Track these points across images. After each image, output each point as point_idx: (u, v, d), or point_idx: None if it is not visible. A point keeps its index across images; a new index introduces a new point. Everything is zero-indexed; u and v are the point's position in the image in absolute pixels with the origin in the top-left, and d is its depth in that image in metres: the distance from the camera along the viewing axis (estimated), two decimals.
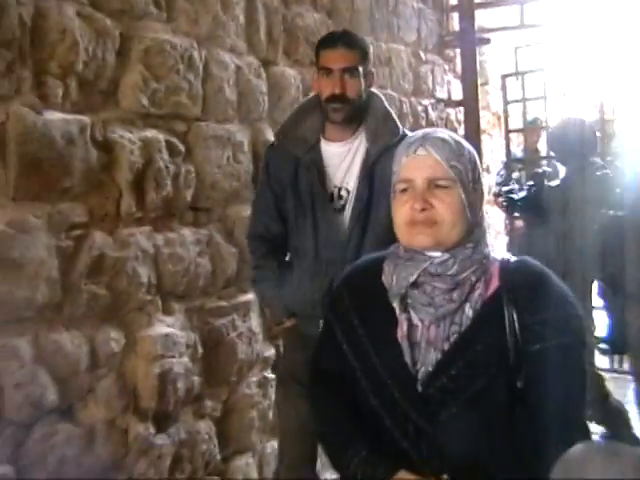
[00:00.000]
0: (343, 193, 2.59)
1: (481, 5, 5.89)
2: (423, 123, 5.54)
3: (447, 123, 6.03)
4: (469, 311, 1.51)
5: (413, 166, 1.54)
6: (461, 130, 6.08)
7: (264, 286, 2.77)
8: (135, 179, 2.68)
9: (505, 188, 5.18)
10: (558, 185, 4.35)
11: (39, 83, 2.34)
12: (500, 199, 5.20)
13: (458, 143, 1.56)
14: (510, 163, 6.25)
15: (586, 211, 4.04)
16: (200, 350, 3.02)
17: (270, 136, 3.37)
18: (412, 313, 1.55)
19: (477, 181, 1.56)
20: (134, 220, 2.70)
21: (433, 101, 5.78)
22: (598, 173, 4.29)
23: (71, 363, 2.40)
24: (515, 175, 6.05)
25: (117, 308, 2.62)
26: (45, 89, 2.35)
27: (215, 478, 3.12)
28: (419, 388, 1.52)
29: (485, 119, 6.87)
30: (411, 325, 1.54)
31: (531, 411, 1.48)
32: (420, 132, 1.61)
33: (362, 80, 2.54)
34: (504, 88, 6.40)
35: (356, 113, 2.56)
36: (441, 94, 5.95)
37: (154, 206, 2.78)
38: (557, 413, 1.46)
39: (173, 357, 2.84)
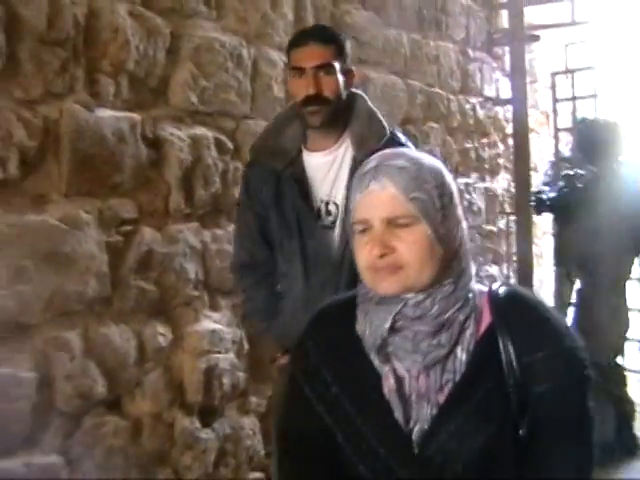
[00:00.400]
0: (331, 208, 2.28)
1: (531, 1, 5.81)
2: (471, 122, 5.48)
3: (495, 122, 5.96)
4: (462, 355, 1.30)
5: (367, 204, 1.28)
6: (509, 129, 6.01)
7: (255, 320, 2.49)
8: (184, 176, 2.71)
9: (535, 189, 5.14)
10: (588, 185, 4.29)
11: (91, 81, 2.37)
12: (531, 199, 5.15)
13: (419, 167, 1.30)
14: (558, 162, 6.15)
15: (617, 210, 4.00)
16: (246, 346, 3.04)
17: None
18: (396, 363, 1.31)
19: (448, 207, 1.31)
20: (182, 216, 2.72)
21: (481, 99, 5.71)
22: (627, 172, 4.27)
23: (119, 357, 2.44)
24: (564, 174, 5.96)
25: (165, 303, 2.64)
26: (97, 87, 2.39)
27: (258, 474, 3.14)
28: (415, 450, 1.30)
29: (533, 118, 6.76)
30: (397, 377, 1.31)
31: (537, 459, 1.30)
32: (375, 158, 1.34)
33: (340, 78, 2.24)
34: (553, 86, 6.30)
35: (337, 116, 2.25)
36: (489, 92, 5.88)
37: (202, 203, 2.80)
38: (566, 462, 1.30)
39: (219, 353, 2.87)
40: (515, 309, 1.33)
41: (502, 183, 6.16)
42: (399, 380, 1.30)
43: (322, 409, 1.36)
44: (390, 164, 1.29)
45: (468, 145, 5.47)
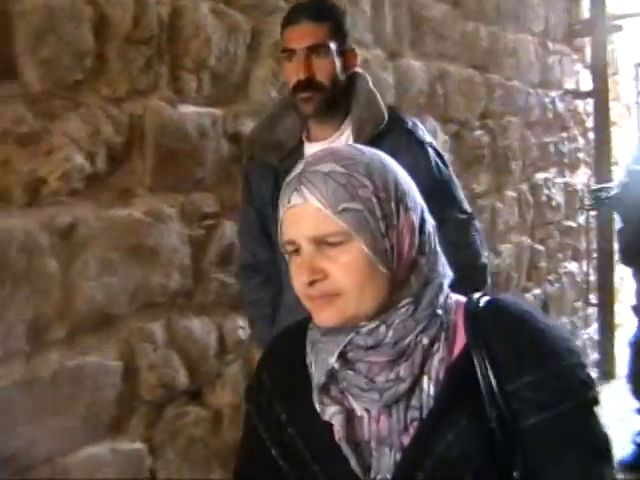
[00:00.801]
0: None
1: None
2: (550, 115, 5.36)
3: (575, 115, 5.80)
4: (429, 387, 1.07)
5: (291, 222, 1.07)
6: (589, 122, 5.85)
7: (259, 326, 2.35)
8: None
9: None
10: None
11: (174, 78, 2.41)
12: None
13: (353, 168, 1.06)
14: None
15: None
16: None
17: None
18: (353, 402, 1.10)
19: (394, 214, 1.07)
20: None
21: (561, 92, 5.57)
22: None
23: (200, 348, 2.47)
24: None
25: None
26: (180, 84, 2.43)
27: None
28: None
29: (615, 111, 6.56)
30: (353, 417, 1.10)
31: None
32: (301, 162, 1.11)
33: (337, 60, 2.01)
34: (637, 77, 6.10)
35: (335, 102, 2.03)
36: (569, 85, 5.73)
37: None
38: None
39: None
40: (496, 324, 1.09)
41: (582, 178, 6.00)
42: (352, 423, 1.10)
43: (277, 452, 1.16)
44: (314, 170, 1.06)
45: (547, 139, 5.34)
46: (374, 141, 1.90)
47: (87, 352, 2.12)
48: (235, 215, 2.58)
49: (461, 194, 2.20)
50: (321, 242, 1.04)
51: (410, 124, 2.10)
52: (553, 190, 5.46)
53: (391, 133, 2.05)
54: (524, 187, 4.98)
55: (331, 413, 1.09)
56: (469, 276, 1.72)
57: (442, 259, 1.15)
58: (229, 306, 2.59)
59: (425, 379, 1.08)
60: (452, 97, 4.04)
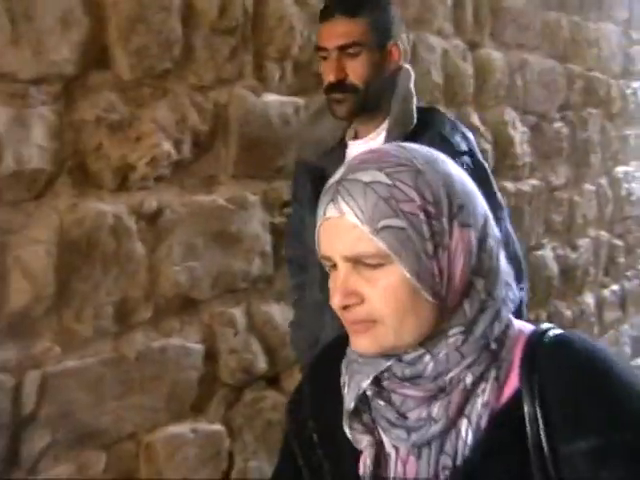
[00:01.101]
0: None
1: None
2: (632, 107, 5.19)
3: None
4: (467, 433, 0.91)
5: (326, 236, 0.94)
6: None
7: (292, 328, 2.27)
8: None
9: None
10: None
11: (258, 67, 2.43)
12: None
13: (397, 177, 0.90)
14: None
15: None
16: None
17: (476, 120, 3.31)
18: (383, 435, 0.96)
19: (446, 231, 0.91)
20: None
21: None
22: None
23: (279, 334, 2.49)
24: None
25: None
26: (264, 72, 2.45)
27: None
28: None
29: None
30: (382, 453, 0.96)
31: None
32: (341, 169, 0.96)
33: (375, 57, 1.86)
34: None
35: (370, 102, 1.88)
36: None
37: None
38: None
39: None
40: (558, 368, 0.89)
41: None
42: (384, 457, 0.96)
43: (306, 473, 1.06)
44: (353, 178, 0.91)
45: (628, 132, 5.18)
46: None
47: (170, 334, 2.17)
48: None
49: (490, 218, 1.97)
50: (358, 262, 0.90)
51: (447, 128, 1.89)
52: (633, 184, 5.29)
53: (422, 138, 1.75)
54: (603, 181, 4.85)
55: (363, 443, 0.95)
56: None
57: (505, 279, 0.96)
58: None
59: (464, 423, 0.90)
60: (532, 88, 3.96)
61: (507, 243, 1.82)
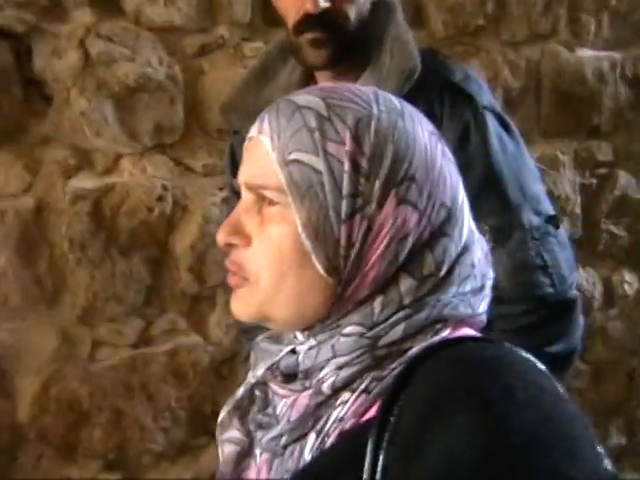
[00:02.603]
0: None
1: None
2: None
3: None
4: (310, 450, 0.70)
5: (242, 159, 0.76)
6: None
7: None
8: None
9: None
10: None
11: (573, 20, 2.27)
12: None
13: (337, 113, 0.69)
14: None
15: None
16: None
17: None
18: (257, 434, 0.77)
19: (373, 198, 0.67)
20: None
21: None
22: None
23: (585, 300, 2.34)
24: None
25: (636, 251, 2.47)
26: (578, 26, 2.28)
27: None
28: None
29: None
30: (250, 453, 0.78)
31: None
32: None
33: None
34: None
35: (355, 45, 1.27)
36: None
37: None
38: None
39: None
40: (422, 387, 0.63)
41: None
42: (242, 458, 0.78)
43: None
44: (289, 99, 0.73)
45: None
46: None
47: None
48: (631, 165, 2.39)
49: (539, 186, 1.36)
50: (260, 196, 0.71)
51: (460, 76, 1.32)
52: None
53: (427, 90, 1.28)
54: None
55: (225, 438, 0.78)
56: (545, 319, 1.27)
57: (455, 295, 0.69)
58: (618, 260, 2.42)
59: (311, 438, 0.69)
60: None
61: (549, 275, 1.30)
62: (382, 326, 0.67)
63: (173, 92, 1.70)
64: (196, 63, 1.74)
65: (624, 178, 2.38)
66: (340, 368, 0.68)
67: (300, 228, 0.67)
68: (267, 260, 0.70)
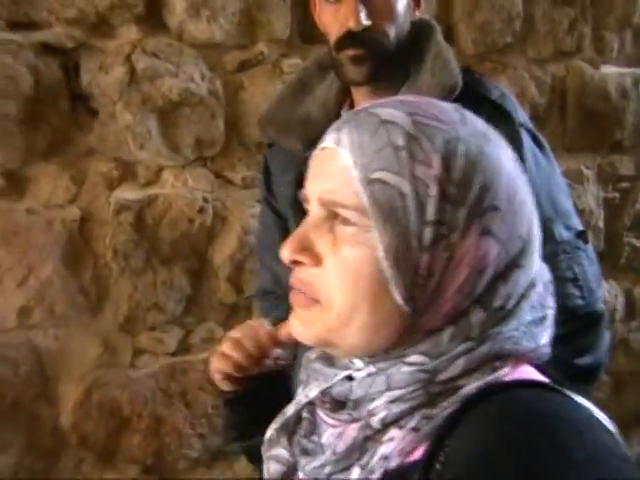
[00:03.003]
0: None
1: None
2: None
3: None
4: (354, 478, 0.66)
5: (312, 170, 0.70)
6: None
7: None
8: None
9: None
10: None
11: (597, 38, 2.31)
12: None
13: (425, 133, 0.64)
14: None
15: None
16: None
17: None
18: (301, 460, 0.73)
19: (457, 227, 0.63)
20: None
21: None
22: None
23: (610, 311, 2.37)
24: None
25: None
26: (602, 44, 2.32)
27: None
28: None
29: None
30: (294, 476, 0.74)
31: None
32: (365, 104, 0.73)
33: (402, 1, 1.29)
34: None
35: (395, 61, 1.30)
36: None
37: None
38: None
39: None
40: (469, 438, 0.59)
41: None
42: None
43: None
44: (373, 112, 0.67)
45: None
46: None
47: None
48: None
49: (569, 202, 1.39)
50: (333, 214, 0.66)
51: (497, 93, 1.34)
52: None
53: (464, 106, 1.12)
54: None
55: (273, 454, 0.75)
56: (575, 331, 1.25)
57: (522, 330, 0.66)
58: (639, 272, 2.45)
59: (355, 472, 0.66)
60: None
61: (579, 287, 1.31)
62: (444, 358, 0.63)
63: (214, 107, 1.74)
64: (236, 78, 1.78)
65: None
66: (392, 402, 0.64)
67: (381, 254, 0.63)
68: (342, 284, 0.64)
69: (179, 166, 1.72)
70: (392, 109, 0.66)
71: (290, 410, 0.75)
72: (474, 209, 0.63)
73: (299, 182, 1.28)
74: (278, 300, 1.47)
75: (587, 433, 0.56)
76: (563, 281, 1.28)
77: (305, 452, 0.72)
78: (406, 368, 0.64)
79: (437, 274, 0.63)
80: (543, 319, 0.67)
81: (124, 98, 1.65)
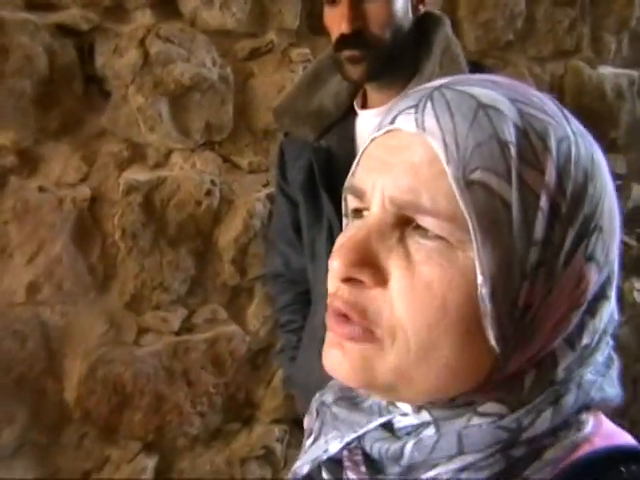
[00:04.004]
0: None
1: None
2: None
3: None
4: None
5: (372, 159, 0.53)
6: None
7: (285, 359, 1.66)
8: None
9: None
10: None
11: (595, 39, 2.35)
12: None
13: (535, 125, 0.49)
14: None
15: None
16: None
17: None
18: None
19: (563, 250, 0.49)
20: None
21: None
22: None
23: None
24: None
25: None
26: (600, 44, 2.36)
27: None
28: None
29: None
30: None
31: None
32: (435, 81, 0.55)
33: (398, 1, 1.30)
34: None
35: (396, 58, 1.32)
36: None
37: None
38: None
39: None
40: None
41: None
42: None
43: None
44: (464, 90, 0.51)
45: None
46: None
47: None
48: None
49: None
50: (407, 219, 0.50)
51: None
52: None
53: None
54: None
55: None
56: None
57: (595, 371, 0.54)
58: (629, 269, 2.49)
59: None
60: None
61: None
62: (528, 408, 0.50)
63: (224, 93, 1.75)
64: (246, 66, 1.80)
65: (637, 190, 2.45)
66: (461, 470, 0.49)
67: (480, 279, 0.47)
68: (421, 314, 0.48)
69: (188, 149, 1.74)
70: (489, 90, 0.50)
71: (303, 469, 0.58)
72: (582, 230, 0.50)
73: (309, 169, 1.41)
74: (287, 283, 1.60)
75: None
76: None
77: None
78: (479, 421, 0.50)
79: (534, 308, 0.49)
80: (612, 359, 0.55)
81: (137, 81, 1.66)
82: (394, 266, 0.49)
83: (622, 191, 2.42)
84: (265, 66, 1.81)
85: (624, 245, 2.44)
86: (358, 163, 0.54)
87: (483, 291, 0.47)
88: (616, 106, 2.36)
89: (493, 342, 0.48)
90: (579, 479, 0.47)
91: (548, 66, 2.24)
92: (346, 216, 0.57)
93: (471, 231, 0.47)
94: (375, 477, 0.53)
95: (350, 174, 0.55)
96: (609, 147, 2.37)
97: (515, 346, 0.49)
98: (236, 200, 1.80)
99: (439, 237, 0.48)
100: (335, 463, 0.56)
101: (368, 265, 0.49)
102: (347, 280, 0.50)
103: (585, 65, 2.31)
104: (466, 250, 0.48)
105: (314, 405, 0.62)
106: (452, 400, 0.51)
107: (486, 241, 0.47)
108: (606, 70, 2.36)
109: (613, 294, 0.54)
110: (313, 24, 1.83)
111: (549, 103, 0.53)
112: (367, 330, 0.50)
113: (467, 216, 0.47)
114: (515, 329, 0.49)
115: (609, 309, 0.53)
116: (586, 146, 0.52)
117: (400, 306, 0.49)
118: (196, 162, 1.75)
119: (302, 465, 0.58)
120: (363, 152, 0.54)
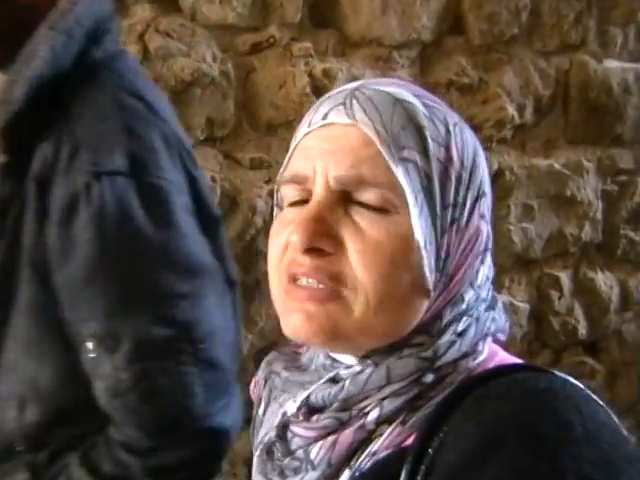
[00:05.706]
0: None
1: None
2: None
3: None
4: None
5: (311, 150, 0.62)
6: None
7: None
8: None
9: None
10: None
11: (602, 32, 2.29)
12: None
13: (435, 114, 0.62)
14: None
15: None
16: None
17: None
18: None
19: (465, 209, 0.62)
20: None
21: None
22: None
23: (602, 302, 2.36)
24: None
25: None
26: (606, 38, 2.30)
27: None
28: None
29: None
30: None
31: None
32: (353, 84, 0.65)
33: None
34: None
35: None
36: None
37: None
38: None
39: None
40: (468, 424, 0.56)
41: None
42: None
43: None
44: (378, 89, 0.62)
45: None
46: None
47: (499, 291, 2.15)
48: None
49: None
50: (348, 197, 0.60)
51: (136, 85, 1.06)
52: None
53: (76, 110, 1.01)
54: None
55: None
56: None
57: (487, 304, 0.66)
58: (635, 264, 2.43)
59: (345, 475, 0.60)
60: None
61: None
62: (444, 340, 0.60)
63: (225, 88, 1.71)
64: (247, 61, 1.75)
65: None
66: (384, 399, 0.59)
67: (416, 237, 0.58)
68: (377, 271, 0.58)
69: None
70: (397, 88, 0.62)
71: (271, 433, 0.64)
72: (477, 193, 0.63)
73: None
74: None
75: (585, 408, 0.55)
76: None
77: (284, 473, 0.63)
78: (409, 351, 0.60)
79: (451, 258, 0.61)
80: (495, 297, 0.67)
81: None
82: (347, 233, 0.59)
83: (627, 187, 2.36)
84: (267, 61, 1.76)
85: (630, 241, 2.39)
86: (291, 157, 0.63)
87: (420, 244, 0.59)
88: (622, 100, 2.30)
89: (430, 287, 0.60)
90: (466, 392, 0.57)
91: (553, 60, 2.18)
92: (278, 207, 0.66)
93: (408, 197, 0.58)
94: (310, 421, 0.61)
95: (283, 168, 0.64)
96: (615, 142, 2.32)
97: (442, 289, 0.61)
98: (238, 197, 1.75)
99: (376, 208, 0.59)
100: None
101: (326, 235, 0.59)
102: (309, 250, 0.59)
103: (591, 59, 2.25)
104: (401, 214, 0.59)
105: (261, 375, 0.71)
106: (391, 344, 0.61)
107: (417, 205, 0.59)
108: (612, 64, 2.29)
109: (491, 246, 0.65)
110: (315, 18, 1.79)
111: (435, 97, 0.65)
112: (334, 291, 0.59)
113: (404, 185, 0.58)
114: (441, 275, 0.61)
115: (490, 258, 0.66)
116: (467, 128, 0.64)
117: (358, 266, 0.58)
118: (197, 158, 1.70)
119: (268, 432, 0.65)
120: (295, 147, 0.63)
